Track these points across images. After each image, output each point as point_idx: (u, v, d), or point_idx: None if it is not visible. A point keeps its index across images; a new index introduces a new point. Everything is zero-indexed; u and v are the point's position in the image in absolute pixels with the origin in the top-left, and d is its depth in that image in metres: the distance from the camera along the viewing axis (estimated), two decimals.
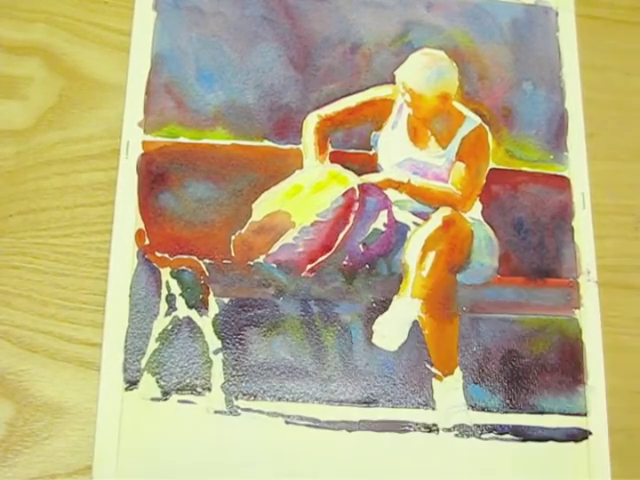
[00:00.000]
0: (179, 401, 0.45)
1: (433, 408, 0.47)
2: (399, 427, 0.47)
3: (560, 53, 0.56)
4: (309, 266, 0.48)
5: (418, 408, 0.47)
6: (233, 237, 0.48)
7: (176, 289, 0.47)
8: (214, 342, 0.46)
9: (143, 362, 0.45)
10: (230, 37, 0.52)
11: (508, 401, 0.48)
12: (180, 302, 0.47)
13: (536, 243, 0.52)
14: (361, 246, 0.49)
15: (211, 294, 0.47)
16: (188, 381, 0.45)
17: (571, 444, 0.48)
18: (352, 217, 0.49)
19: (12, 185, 0.48)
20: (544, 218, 0.52)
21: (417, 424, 0.47)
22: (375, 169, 0.51)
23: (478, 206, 0.52)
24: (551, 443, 0.48)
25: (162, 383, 0.45)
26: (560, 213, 0.53)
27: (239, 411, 0.45)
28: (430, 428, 0.47)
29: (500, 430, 0.47)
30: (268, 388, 0.46)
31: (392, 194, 0.51)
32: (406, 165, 0.51)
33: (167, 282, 0.47)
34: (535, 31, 0.56)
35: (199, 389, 0.45)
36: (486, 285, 0.50)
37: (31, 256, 0.47)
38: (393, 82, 0.53)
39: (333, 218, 0.49)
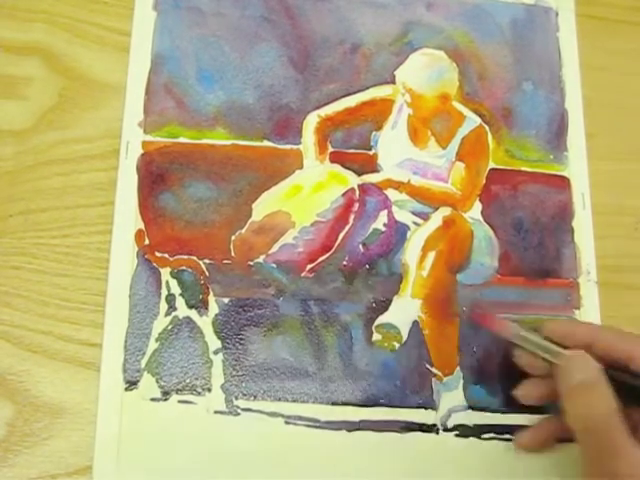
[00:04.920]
0: (179, 401, 0.45)
1: (433, 408, 0.47)
2: (399, 427, 0.47)
3: (560, 53, 0.56)
4: (309, 266, 0.48)
5: (418, 408, 0.47)
6: (233, 237, 0.48)
7: (176, 289, 0.47)
8: (214, 342, 0.46)
9: (143, 362, 0.45)
10: (230, 37, 0.52)
11: (508, 401, 0.48)
12: (180, 302, 0.47)
13: (536, 243, 0.52)
14: (361, 246, 0.49)
15: (211, 294, 0.47)
16: (188, 381, 0.45)
17: (571, 444, 0.48)
18: (352, 217, 0.49)
19: (12, 185, 0.48)
20: (544, 218, 0.52)
21: (417, 424, 0.47)
22: (375, 169, 0.51)
23: (478, 206, 0.52)
24: None
25: (162, 383, 0.45)
26: (560, 213, 0.53)
27: (239, 411, 0.45)
28: (430, 428, 0.47)
29: (500, 430, 0.47)
30: (268, 388, 0.46)
31: (392, 194, 0.51)
32: (406, 165, 0.51)
33: (167, 282, 0.47)
34: (535, 31, 0.56)
35: (199, 389, 0.45)
36: (486, 285, 0.50)
37: (31, 256, 0.47)
38: (393, 82, 0.53)
39: (333, 218, 0.49)
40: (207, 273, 0.47)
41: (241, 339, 0.47)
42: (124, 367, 0.45)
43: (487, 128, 0.53)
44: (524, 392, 0.45)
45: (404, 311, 0.48)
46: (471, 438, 0.47)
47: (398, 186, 0.51)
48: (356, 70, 0.53)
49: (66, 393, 0.45)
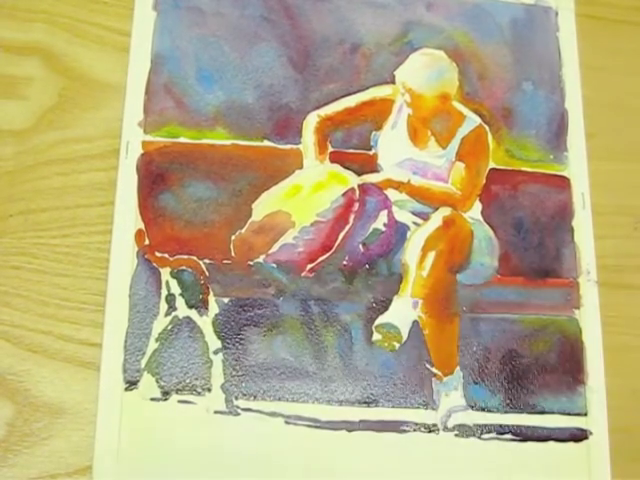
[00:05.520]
0: (179, 401, 0.45)
1: (433, 408, 0.47)
2: (399, 427, 0.47)
3: (560, 53, 0.56)
4: (309, 266, 0.48)
5: (418, 408, 0.47)
6: (233, 237, 0.48)
7: (176, 289, 0.47)
8: (214, 342, 0.46)
9: (143, 362, 0.45)
10: (230, 37, 0.52)
11: (508, 401, 0.48)
12: (180, 302, 0.47)
13: (536, 243, 0.52)
14: (361, 246, 0.49)
15: (211, 294, 0.47)
16: (188, 381, 0.45)
17: (571, 444, 0.48)
18: (352, 217, 0.49)
19: (12, 185, 0.48)
20: (544, 218, 0.52)
21: (417, 424, 0.47)
22: (375, 169, 0.51)
23: (478, 206, 0.52)
24: (551, 443, 0.48)
25: (162, 383, 0.45)
26: (560, 213, 0.53)
27: (239, 411, 0.45)
28: (430, 428, 0.47)
29: (500, 430, 0.47)
30: (268, 388, 0.46)
31: (392, 194, 0.51)
32: (406, 165, 0.51)
33: (167, 282, 0.47)
34: (535, 31, 0.56)
35: (199, 389, 0.45)
36: (486, 285, 0.50)
37: (31, 256, 0.47)
38: (393, 82, 0.53)
39: (333, 218, 0.49)
40: (207, 273, 0.47)
41: (241, 339, 0.47)
42: (124, 367, 0.45)
43: (487, 128, 0.53)
44: None
45: (404, 311, 0.48)
46: (471, 438, 0.47)
47: (398, 186, 0.51)
48: (356, 70, 0.53)
49: (66, 393, 0.45)
